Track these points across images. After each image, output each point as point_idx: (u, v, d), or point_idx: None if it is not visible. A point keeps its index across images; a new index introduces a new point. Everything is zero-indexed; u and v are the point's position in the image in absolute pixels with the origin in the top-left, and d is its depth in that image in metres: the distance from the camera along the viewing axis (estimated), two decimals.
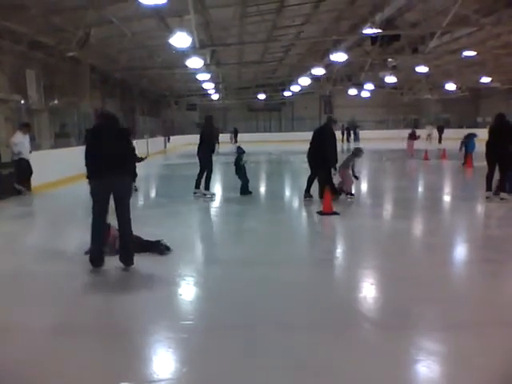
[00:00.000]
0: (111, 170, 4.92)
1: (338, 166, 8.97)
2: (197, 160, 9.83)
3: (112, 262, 5.05)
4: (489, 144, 8.87)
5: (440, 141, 29.45)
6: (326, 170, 8.78)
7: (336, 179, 9.10)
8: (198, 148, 9.89)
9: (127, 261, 5.06)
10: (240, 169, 10.00)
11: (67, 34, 14.51)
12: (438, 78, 30.31)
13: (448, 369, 3.01)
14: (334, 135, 9.09)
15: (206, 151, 9.81)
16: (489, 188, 8.87)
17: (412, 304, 3.98)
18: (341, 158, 9.18)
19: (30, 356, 3.22)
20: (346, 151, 14.78)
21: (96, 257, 5.02)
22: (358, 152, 9.50)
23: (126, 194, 5.11)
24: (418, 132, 22.55)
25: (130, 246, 5.12)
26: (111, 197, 5.02)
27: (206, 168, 9.82)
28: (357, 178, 9.46)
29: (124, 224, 5.10)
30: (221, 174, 10.19)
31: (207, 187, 9.92)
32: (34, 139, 12.46)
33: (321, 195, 8.73)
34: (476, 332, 3.47)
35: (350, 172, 9.24)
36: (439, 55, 22.28)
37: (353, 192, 9.44)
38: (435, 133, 31.12)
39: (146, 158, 11.68)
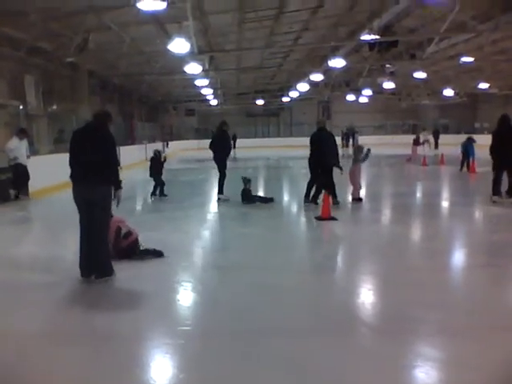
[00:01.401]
0: (86, 177, 4.70)
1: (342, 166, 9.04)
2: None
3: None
4: (493, 148, 8.80)
5: (436, 146, 29.42)
6: (326, 173, 8.78)
7: (344, 178, 9.11)
8: (214, 154, 10.11)
9: (97, 274, 4.80)
10: (248, 196, 9.71)
11: (66, 39, 14.55)
12: (435, 83, 30.42)
13: (446, 374, 2.99)
14: (333, 136, 9.13)
15: (219, 156, 10.02)
16: (495, 192, 8.77)
17: (411, 309, 3.96)
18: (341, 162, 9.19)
19: (26, 361, 3.20)
20: (346, 157, 14.79)
21: (83, 266, 4.83)
22: (357, 150, 9.60)
23: (99, 202, 4.73)
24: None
25: (100, 258, 4.83)
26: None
27: (222, 172, 10.00)
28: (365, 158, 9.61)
29: (95, 234, 4.79)
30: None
31: (220, 191, 10.08)
32: (32, 144, 12.44)
33: (313, 198, 8.77)
34: (476, 338, 3.44)
35: (360, 167, 9.28)
36: (437, 61, 22.38)
37: (361, 197, 9.43)
38: (431, 138, 31.07)
39: (165, 159, 11.92)
